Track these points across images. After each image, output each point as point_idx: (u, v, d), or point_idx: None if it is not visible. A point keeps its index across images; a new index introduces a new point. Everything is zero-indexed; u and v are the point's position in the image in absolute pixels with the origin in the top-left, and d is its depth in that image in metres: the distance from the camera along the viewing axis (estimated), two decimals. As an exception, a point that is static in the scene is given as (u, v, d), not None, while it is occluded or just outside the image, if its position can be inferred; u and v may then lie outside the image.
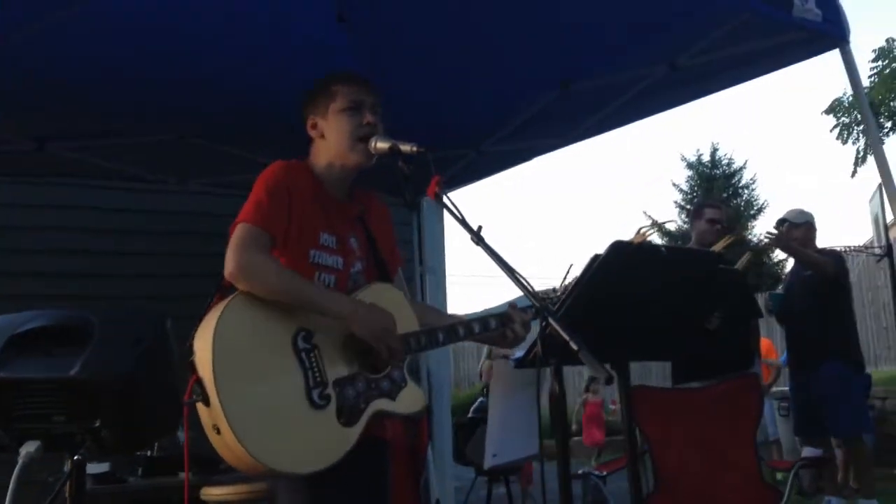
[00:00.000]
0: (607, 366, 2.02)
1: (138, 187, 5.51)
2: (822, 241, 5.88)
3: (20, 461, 1.82)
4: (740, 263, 3.95)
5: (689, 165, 26.94)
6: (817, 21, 3.73)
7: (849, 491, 6.33)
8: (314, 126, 2.59)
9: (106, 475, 4.20)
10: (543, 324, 2.15)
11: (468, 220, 2.29)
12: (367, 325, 2.30)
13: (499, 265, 2.21)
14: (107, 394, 1.77)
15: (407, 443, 4.32)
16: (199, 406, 2.09)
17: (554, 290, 2.64)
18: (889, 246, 8.41)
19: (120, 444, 1.84)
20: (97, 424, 1.78)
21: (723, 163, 26.80)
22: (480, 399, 8.79)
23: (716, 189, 25.15)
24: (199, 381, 2.07)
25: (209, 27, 3.66)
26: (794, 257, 5.65)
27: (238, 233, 2.34)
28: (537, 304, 2.18)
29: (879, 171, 3.86)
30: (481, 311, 2.77)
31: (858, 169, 17.49)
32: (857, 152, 17.32)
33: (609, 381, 1.99)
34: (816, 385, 5.43)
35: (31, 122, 4.55)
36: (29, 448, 1.81)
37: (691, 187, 26.52)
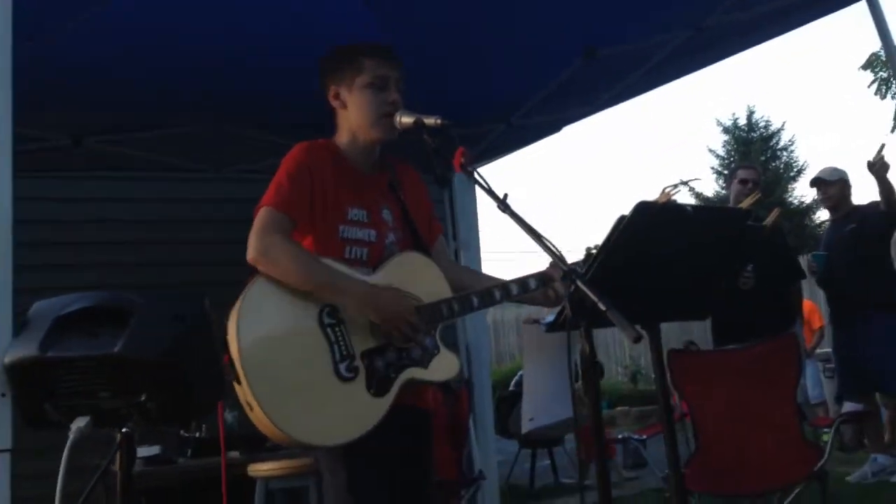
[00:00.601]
0: (637, 326, 2.02)
1: (172, 177, 5.59)
2: (865, 199, 5.79)
3: (71, 436, 1.91)
4: (769, 220, 3.92)
5: (726, 130, 26.57)
6: (843, -28, 3.69)
7: (897, 449, 6.26)
8: (336, 96, 2.57)
9: (156, 457, 4.33)
10: (572, 287, 2.16)
11: (494, 189, 2.31)
12: (379, 309, 2.30)
13: (526, 231, 2.22)
14: (148, 369, 1.85)
15: (446, 414, 4.38)
16: (235, 384, 2.16)
17: (597, 246, 2.60)
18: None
19: (165, 418, 1.93)
20: (143, 399, 1.86)
21: (759, 126, 26.40)
22: (521, 372, 8.85)
23: (753, 153, 24.81)
24: (231, 361, 2.14)
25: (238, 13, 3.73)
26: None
27: (260, 216, 2.38)
28: (564, 267, 2.20)
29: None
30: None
31: (899, 123, 17.15)
32: (897, 107, 16.98)
33: (637, 340, 2.00)
34: (861, 340, 5.38)
35: (66, 117, 4.65)
36: (79, 423, 1.90)
37: (728, 152, 26.17)
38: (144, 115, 4.74)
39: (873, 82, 17.33)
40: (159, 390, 1.88)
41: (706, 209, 3.62)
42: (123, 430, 1.96)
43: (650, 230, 2.37)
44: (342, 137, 2.60)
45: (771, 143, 26.07)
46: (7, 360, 1.97)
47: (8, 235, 2.34)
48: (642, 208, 2.31)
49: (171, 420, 2.04)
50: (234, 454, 4.26)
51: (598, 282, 2.12)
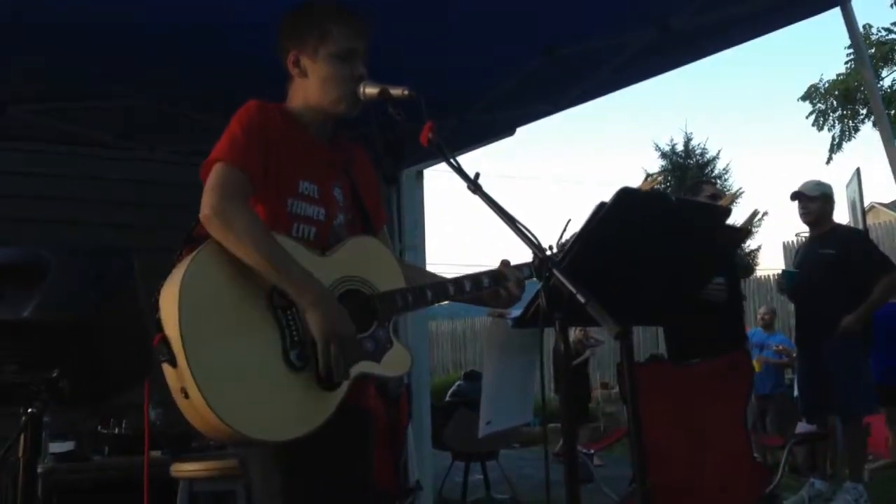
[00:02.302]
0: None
1: (102, 154, 5.24)
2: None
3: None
4: (745, 221, 3.81)
5: (663, 154, 26.92)
6: (819, -24, 3.61)
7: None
8: (296, 62, 2.34)
9: (70, 453, 4.00)
10: (547, 275, 1.96)
11: (464, 168, 2.12)
12: (322, 322, 2.03)
13: (497, 213, 2.06)
14: (63, 338, 1.56)
15: (387, 420, 4.16)
16: (166, 367, 1.88)
17: (549, 247, 2.45)
18: (866, 230, 8.38)
19: (79, 396, 1.64)
20: (55, 374, 1.57)
21: (696, 152, 26.82)
22: (459, 383, 8.66)
23: (689, 178, 25.14)
24: (165, 340, 1.87)
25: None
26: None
27: (217, 173, 2.11)
28: (540, 253, 2.02)
29: (882, 137, 3.73)
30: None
31: (834, 156, 17.57)
32: (833, 139, 17.40)
33: (619, 335, 1.83)
34: (823, 361, 5.30)
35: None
36: (-25, 401, 1.61)
37: (665, 177, 26.46)
38: (76, 85, 4.41)
39: (811, 113, 17.72)
40: (73, 362, 1.59)
41: (689, 201, 3.47)
42: (30, 410, 1.66)
43: (631, 219, 2.18)
44: (298, 103, 2.36)
45: (706, 171, 26.45)
46: None
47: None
48: (625, 194, 2.13)
49: (85, 399, 1.74)
50: (156, 453, 3.96)
51: (572, 273, 1.93)
